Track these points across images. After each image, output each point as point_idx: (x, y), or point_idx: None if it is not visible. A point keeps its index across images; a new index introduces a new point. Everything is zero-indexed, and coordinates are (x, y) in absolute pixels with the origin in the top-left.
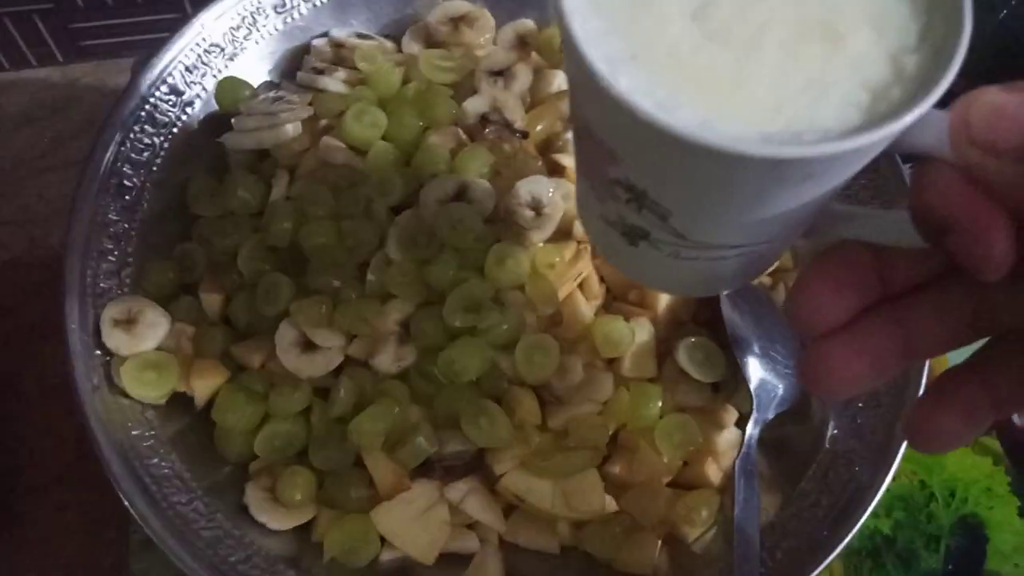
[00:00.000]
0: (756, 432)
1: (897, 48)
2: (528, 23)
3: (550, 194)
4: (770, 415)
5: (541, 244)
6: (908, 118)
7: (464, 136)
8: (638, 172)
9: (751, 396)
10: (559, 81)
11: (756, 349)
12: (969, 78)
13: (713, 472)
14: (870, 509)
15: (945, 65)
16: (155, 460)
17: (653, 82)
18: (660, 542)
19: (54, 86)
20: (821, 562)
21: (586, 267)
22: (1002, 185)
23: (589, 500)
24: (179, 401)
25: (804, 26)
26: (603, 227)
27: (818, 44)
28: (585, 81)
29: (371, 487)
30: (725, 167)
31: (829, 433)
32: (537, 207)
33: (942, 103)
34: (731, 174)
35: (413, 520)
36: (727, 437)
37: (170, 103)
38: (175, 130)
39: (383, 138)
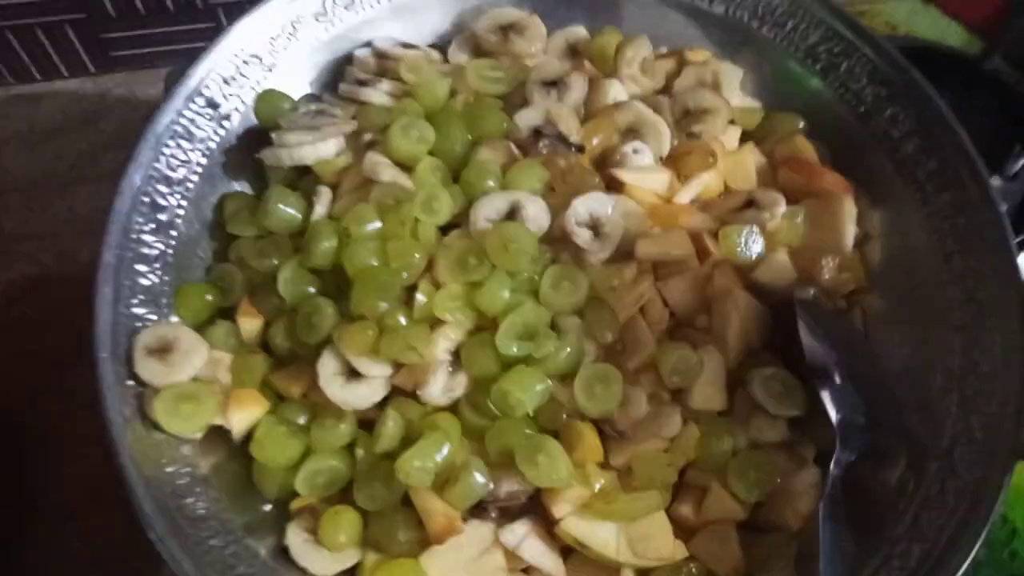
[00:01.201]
0: (839, 472)
1: None
2: (579, 30)
3: (609, 212)
4: (854, 454)
5: (600, 265)
6: None
7: (516, 151)
8: None
9: (833, 432)
10: (615, 92)
11: (837, 379)
12: None
13: (790, 514)
14: (972, 555)
15: None
16: (190, 500)
17: None
18: None
19: (85, 97)
20: None
21: (649, 290)
22: None
23: (657, 546)
24: (215, 434)
25: None
26: None
27: None
28: None
29: (420, 529)
30: None
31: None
32: (595, 225)
33: None
34: None
35: (466, 566)
36: (806, 477)
37: (207, 116)
38: (212, 145)
39: (430, 153)
